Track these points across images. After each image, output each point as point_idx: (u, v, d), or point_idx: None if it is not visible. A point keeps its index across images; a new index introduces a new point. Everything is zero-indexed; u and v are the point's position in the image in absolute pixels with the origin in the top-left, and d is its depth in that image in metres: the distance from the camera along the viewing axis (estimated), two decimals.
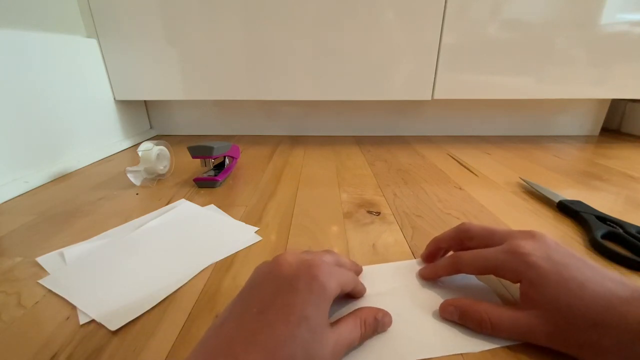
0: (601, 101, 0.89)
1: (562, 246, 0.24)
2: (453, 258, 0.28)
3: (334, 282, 0.21)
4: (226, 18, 0.68)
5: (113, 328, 0.25)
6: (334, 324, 0.21)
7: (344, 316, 0.23)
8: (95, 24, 0.69)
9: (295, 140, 0.85)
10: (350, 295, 0.27)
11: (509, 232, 0.26)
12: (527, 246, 0.23)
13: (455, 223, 0.41)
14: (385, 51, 0.70)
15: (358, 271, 0.30)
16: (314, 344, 0.18)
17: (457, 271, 0.27)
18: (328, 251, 0.27)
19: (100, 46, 0.71)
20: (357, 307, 0.25)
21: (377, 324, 0.23)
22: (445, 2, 0.66)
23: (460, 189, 0.52)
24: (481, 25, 0.68)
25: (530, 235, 0.25)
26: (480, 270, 0.26)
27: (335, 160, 0.68)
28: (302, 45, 0.70)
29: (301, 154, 0.73)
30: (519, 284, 0.24)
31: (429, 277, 0.29)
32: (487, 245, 0.26)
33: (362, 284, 0.27)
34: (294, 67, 0.72)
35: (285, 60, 0.71)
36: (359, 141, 0.85)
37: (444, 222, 0.41)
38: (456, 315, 0.24)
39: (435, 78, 0.72)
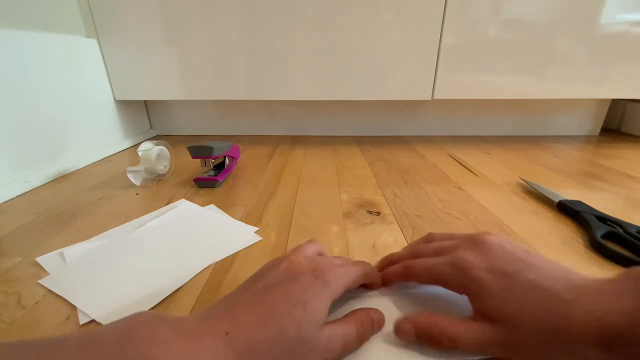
0: (601, 101, 0.89)
1: (507, 248, 0.23)
2: (404, 267, 0.27)
3: (339, 284, 0.22)
4: (226, 18, 0.68)
5: None
6: (329, 322, 0.21)
7: (339, 318, 0.23)
8: (95, 24, 0.69)
9: (295, 140, 0.85)
10: (366, 286, 0.28)
11: (460, 238, 0.26)
12: (469, 258, 0.23)
13: (455, 223, 0.41)
14: (385, 51, 0.70)
15: (367, 270, 0.28)
16: (307, 324, 0.19)
17: (409, 279, 0.27)
18: (339, 257, 0.28)
19: (100, 46, 0.71)
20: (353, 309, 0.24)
21: (372, 322, 0.23)
22: (445, 2, 0.66)
23: (460, 189, 0.52)
24: (481, 25, 0.68)
25: (474, 243, 0.24)
26: (429, 281, 0.25)
27: (335, 160, 0.68)
28: (302, 45, 0.70)
29: (301, 154, 0.73)
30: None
31: (382, 284, 0.28)
32: (441, 248, 0.26)
33: (377, 274, 0.28)
34: (294, 67, 0.72)
35: (285, 60, 0.71)
36: (359, 141, 0.85)
37: (444, 222, 0.41)
38: (412, 335, 0.23)
39: (435, 78, 0.72)
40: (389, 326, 0.24)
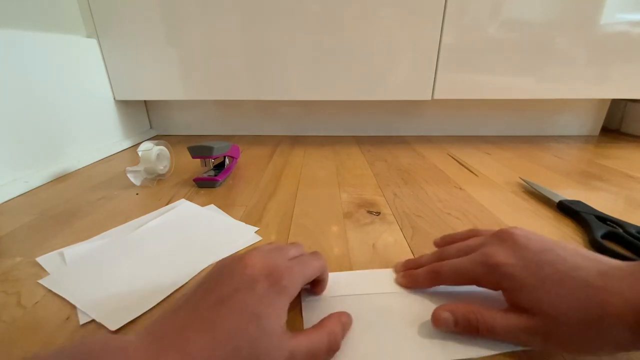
0: (601, 101, 0.89)
1: (535, 241, 0.23)
2: (432, 271, 0.27)
3: (295, 285, 0.22)
4: (226, 18, 0.68)
5: (113, 328, 0.25)
6: (296, 334, 0.20)
7: (308, 329, 0.22)
8: (95, 24, 0.69)
9: (295, 140, 0.85)
10: (314, 285, 0.27)
11: (486, 235, 0.26)
12: (498, 255, 0.23)
13: (455, 223, 0.41)
14: (385, 51, 0.70)
15: (324, 264, 0.27)
16: (261, 342, 0.18)
17: (437, 283, 0.27)
18: (294, 244, 0.27)
19: (100, 46, 0.71)
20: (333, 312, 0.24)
21: (344, 329, 0.23)
22: (445, 2, 0.66)
23: (460, 189, 0.52)
24: (481, 25, 0.68)
25: (501, 238, 0.24)
26: (459, 282, 0.26)
27: (335, 160, 0.68)
28: (302, 45, 0.70)
29: (301, 154, 0.73)
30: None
31: (407, 286, 0.28)
32: (466, 247, 0.26)
33: (327, 273, 0.27)
34: (294, 67, 0.72)
35: (285, 60, 0.71)
36: (359, 141, 0.85)
37: (444, 222, 0.41)
38: (451, 323, 0.23)
39: (435, 78, 0.72)
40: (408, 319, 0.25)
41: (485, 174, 0.59)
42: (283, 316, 0.20)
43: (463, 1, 0.66)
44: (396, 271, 0.31)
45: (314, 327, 0.22)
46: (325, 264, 0.27)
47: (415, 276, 0.28)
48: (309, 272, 0.24)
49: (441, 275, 0.26)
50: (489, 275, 0.23)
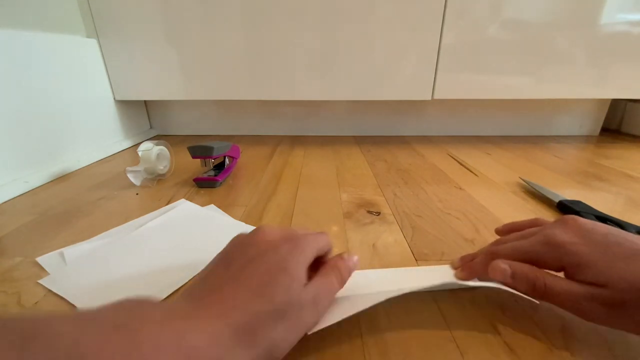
0: (601, 101, 0.89)
1: (598, 225, 0.24)
2: (489, 253, 0.26)
3: (312, 250, 0.23)
4: (226, 18, 0.68)
5: None
6: (310, 281, 0.22)
7: (316, 274, 0.24)
8: (95, 24, 0.69)
9: (295, 140, 0.85)
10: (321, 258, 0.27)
11: (542, 225, 0.27)
12: (562, 235, 0.23)
13: (455, 223, 0.41)
14: (385, 51, 0.70)
15: (329, 239, 0.27)
16: (293, 287, 0.20)
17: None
18: (300, 228, 0.29)
19: (100, 46, 0.71)
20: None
21: (347, 264, 0.25)
22: (445, 2, 0.66)
23: (460, 189, 0.52)
24: (481, 25, 0.68)
25: (564, 223, 0.25)
26: (517, 258, 0.25)
27: (335, 160, 0.68)
28: (302, 45, 0.70)
29: (301, 154, 0.73)
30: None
31: (467, 277, 0.27)
32: (524, 234, 0.27)
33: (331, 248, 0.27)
34: (294, 67, 0.72)
35: (285, 60, 0.71)
36: (359, 141, 0.85)
37: (444, 222, 0.41)
38: (509, 274, 0.23)
39: (435, 78, 0.72)
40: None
41: (485, 174, 0.59)
42: (305, 272, 0.22)
43: (463, 1, 0.66)
44: (454, 267, 0.30)
45: (320, 271, 0.24)
46: (330, 240, 0.27)
47: (473, 265, 0.27)
48: (321, 244, 0.25)
49: (498, 254, 0.26)
50: (551, 252, 0.23)
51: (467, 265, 0.28)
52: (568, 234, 0.23)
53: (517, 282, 0.23)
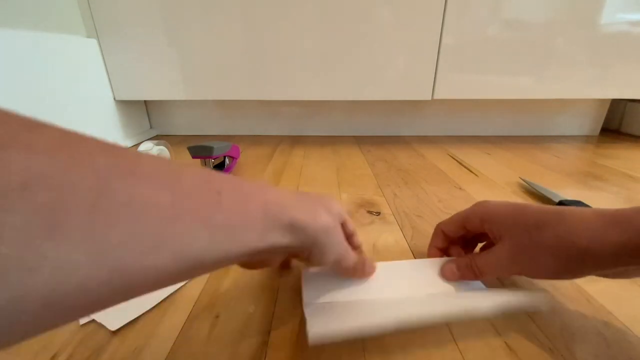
0: (601, 101, 0.89)
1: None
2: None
3: (345, 219, 0.25)
4: (226, 18, 0.68)
5: (113, 328, 0.25)
6: None
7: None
8: (95, 24, 0.69)
9: (295, 140, 0.85)
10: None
11: None
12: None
13: None
14: (385, 51, 0.70)
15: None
16: (333, 211, 0.22)
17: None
18: None
19: (100, 46, 0.71)
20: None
21: (364, 264, 0.26)
22: (445, 2, 0.66)
23: (460, 189, 0.52)
24: (481, 25, 0.68)
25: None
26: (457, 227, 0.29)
27: (335, 160, 0.68)
28: (302, 45, 0.70)
29: (301, 154, 0.73)
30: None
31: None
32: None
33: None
34: (294, 67, 0.72)
35: (285, 60, 0.71)
36: (359, 141, 0.85)
37: None
38: (455, 268, 0.27)
39: (435, 78, 0.72)
40: None
41: (485, 174, 0.59)
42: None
43: (463, 1, 0.66)
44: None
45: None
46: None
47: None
48: (350, 224, 0.26)
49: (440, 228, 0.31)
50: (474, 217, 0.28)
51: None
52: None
53: (462, 272, 0.27)
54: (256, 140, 0.86)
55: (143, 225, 0.12)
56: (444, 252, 0.31)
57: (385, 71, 0.72)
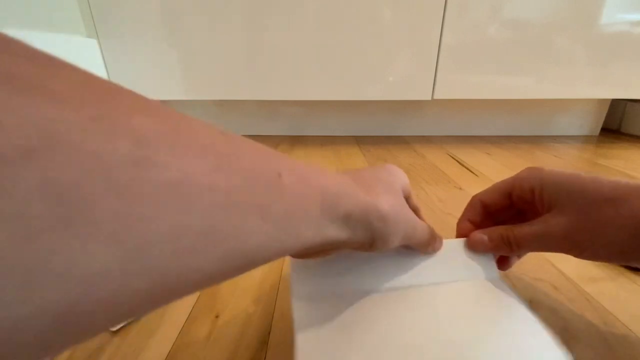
0: (601, 101, 0.89)
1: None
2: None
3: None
4: (226, 19, 0.68)
5: (113, 328, 0.25)
6: None
7: None
8: (95, 24, 0.69)
9: (295, 140, 0.85)
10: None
11: None
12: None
13: (455, 223, 0.41)
14: (385, 51, 0.70)
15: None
16: (401, 208, 0.19)
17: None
18: None
19: (100, 46, 0.71)
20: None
21: (440, 242, 0.24)
22: (445, 2, 0.66)
23: (460, 189, 0.52)
24: (481, 25, 0.68)
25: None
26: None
27: (335, 160, 0.68)
28: (302, 45, 0.70)
29: (301, 154, 0.73)
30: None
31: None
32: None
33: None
34: (294, 67, 0.72)
35: (286, 60, 0.71)
36: (359, 141, 0.85)
37: (444, 222, 0.41)
38: (486, 240, 0.24)
39: (435, 78, 0.72)
40: None
41: (485, 174, 0.59)
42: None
43: (463, 1, 0.66)
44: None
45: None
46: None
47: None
48: (414, 196, 0.24)
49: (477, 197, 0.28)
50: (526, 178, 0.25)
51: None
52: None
53: (494, 243, 0.24)
54: (256, 140, 0.85)
55: (193, 216, 0.09)
56: (478, 227, 0.26)
57: (385, 71, 0.72)
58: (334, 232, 0.15)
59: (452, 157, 0.70)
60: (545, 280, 0.30)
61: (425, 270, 0.24)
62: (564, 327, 0.25)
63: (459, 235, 0.27)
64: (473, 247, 0.24)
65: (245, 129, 0.92)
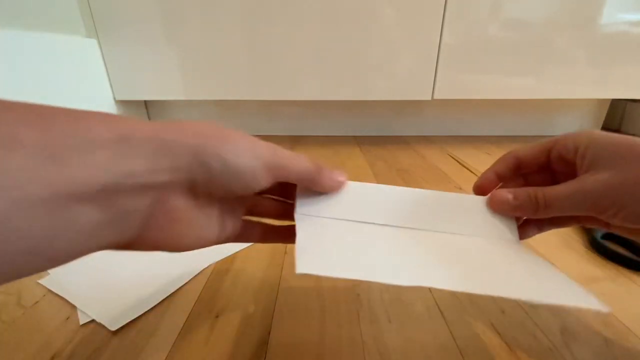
0: (601, 101, 0.89)
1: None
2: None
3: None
4: (226, 18, 0.68)
5: (113, 328, 0.25)
6: None
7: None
8: (95, 24, 0.69)
9: (295, 140, 0.85)
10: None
11: None
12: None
13: None
14: (385, 51, 0.70)
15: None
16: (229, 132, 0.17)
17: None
18: None
19: (100, 46, 0.71)
20: None
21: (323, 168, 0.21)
22: (445, 2, 0.66)
23: (460, 189, 0.52)
24: (481, 25, 0.68)
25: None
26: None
27: (336, 160, 0.68)
28: (302, 45, 0.70)
29: (301, 154, 0.73)
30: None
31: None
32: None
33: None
34: (294, 67, 0.72)
35: (286, 60, 0.71)
36: (359, 141, 0.85)
37: None
38: (511, 198, 0.21)
39: (435, 78, 0.72)
40: None
41: None
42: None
43: (463, 1, 0.66)
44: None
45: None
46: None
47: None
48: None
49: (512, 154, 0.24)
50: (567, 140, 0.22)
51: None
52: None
53: (520, 201, 0.21)
54: None
55: None
56: (503, 181, 0.24)
57: (386, 71, 0.72)
58: (133, 163, 0.13)
59: (452, 157, 0.70)
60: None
61: (439, 219, 0.22)
62: (564, 327, 0.25)
63: (478, 183, 0.24)
64: (494, 205, 0.22)
65: (245, 129, 0.92)
